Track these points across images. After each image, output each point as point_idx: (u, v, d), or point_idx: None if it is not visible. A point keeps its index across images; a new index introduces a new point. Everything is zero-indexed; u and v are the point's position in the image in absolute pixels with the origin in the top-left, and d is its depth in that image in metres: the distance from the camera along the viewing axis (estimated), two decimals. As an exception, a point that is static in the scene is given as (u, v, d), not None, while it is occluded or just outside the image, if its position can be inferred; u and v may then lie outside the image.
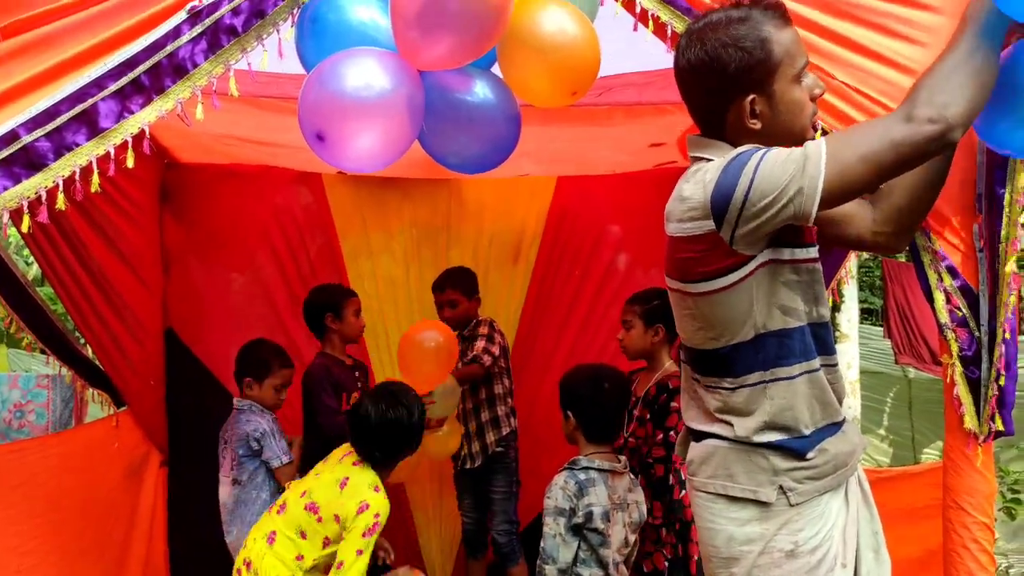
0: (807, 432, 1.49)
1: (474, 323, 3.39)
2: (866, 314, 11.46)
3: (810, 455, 1.48)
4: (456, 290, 3.35)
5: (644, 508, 2.42)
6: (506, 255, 3.77)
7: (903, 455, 7.51)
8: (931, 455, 7.29)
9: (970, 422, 1.76)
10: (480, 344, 3.30)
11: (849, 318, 6.75)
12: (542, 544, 2.25)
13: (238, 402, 3.01)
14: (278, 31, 1.78)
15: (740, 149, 1.47)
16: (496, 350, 3.31)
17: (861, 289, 10.34)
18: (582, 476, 2.28)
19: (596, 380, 2.37)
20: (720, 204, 1.43)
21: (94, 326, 3.00)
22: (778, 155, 1.42)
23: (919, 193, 1.59)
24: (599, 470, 2.31)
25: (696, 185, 1.49)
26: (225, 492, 2.94)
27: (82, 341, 3.28)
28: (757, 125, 1.49)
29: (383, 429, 2.40)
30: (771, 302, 1.48)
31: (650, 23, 1.82)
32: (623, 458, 2.41)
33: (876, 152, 1.38)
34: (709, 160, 1.50)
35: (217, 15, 1.70)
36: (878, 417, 7.83)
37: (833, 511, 1.50)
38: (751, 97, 1.47)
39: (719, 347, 1.52)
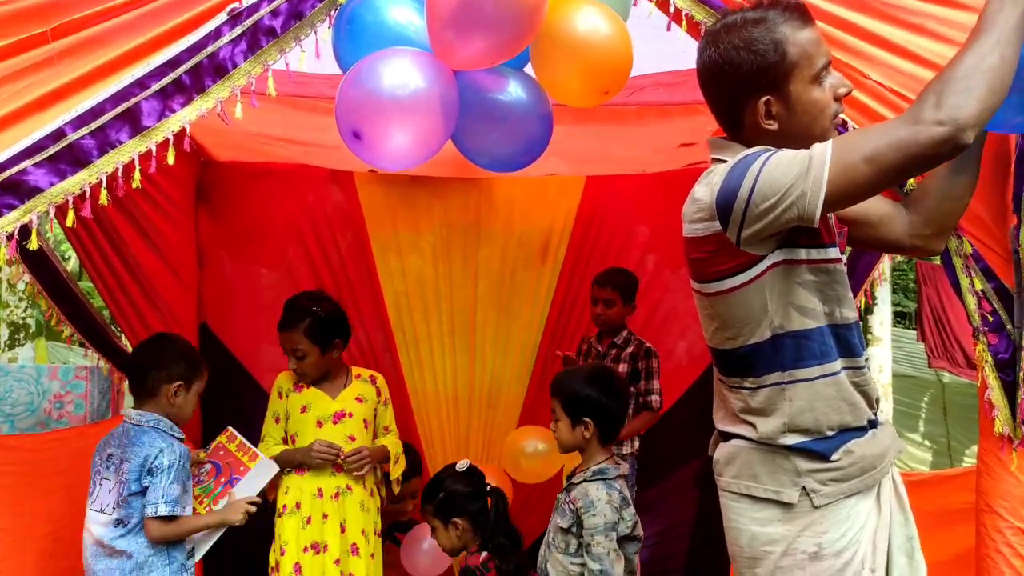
0: (830, 434, 1.48)
1: (628, 335, 3.36)
2: (899, 317, 11.29)
3: (834, 457, 1.47)
4: (616, 291, 3.33)
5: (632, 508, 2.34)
6: (534, 254, 3.78)
7: (942, 462, 7.37)
8: (971, 460, 7.14)
9: (1002, 426, 1.74)
10: (656, 383, 3.27)
11: (882, 321, 6.67)
12: (597, 567, 2.09)
13: (140, 415, 2.34)
14: (315, 32, 1.82)
15: (749, 151, 1.47)
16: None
17: (894, 292, 10.19)
18: (617, 486, 2.20)
19: (604, 382, 2.27)
20: (724, 206, 1.43)
21: (131, 319, 3.08)
22: (783, 157, 1.41)
23: (954, 193, 1.57)
24: (620, 477, 2.24)
25: (705, 187, 1.50)
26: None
27: (119, 333, 3.36)
28: (774, 126, 1.49)
29: None
30: (787, 302, 1.47)
31: (683, 22, 1.82)
32: (621, 461, 2.34)
33: (882, 154, 1.35)
34: (724, 162, 1.51)
35: (257, 16, 1.74)
36: (913, 422, 7.70)
37: (862, 514, 1.49)
38: (766, 98, 1.47)
39: (737, 347, 1.52)
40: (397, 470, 2.83)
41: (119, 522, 2.25)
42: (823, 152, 1.38)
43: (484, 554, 2.53)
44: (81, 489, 2.81)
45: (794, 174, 1.38)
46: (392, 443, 2.83)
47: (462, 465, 2.66)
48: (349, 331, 2.86)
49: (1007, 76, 1.36)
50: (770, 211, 1.39)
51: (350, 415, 2.74)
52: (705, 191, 1.49)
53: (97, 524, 2.29)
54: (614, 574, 2.10)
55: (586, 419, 2.25)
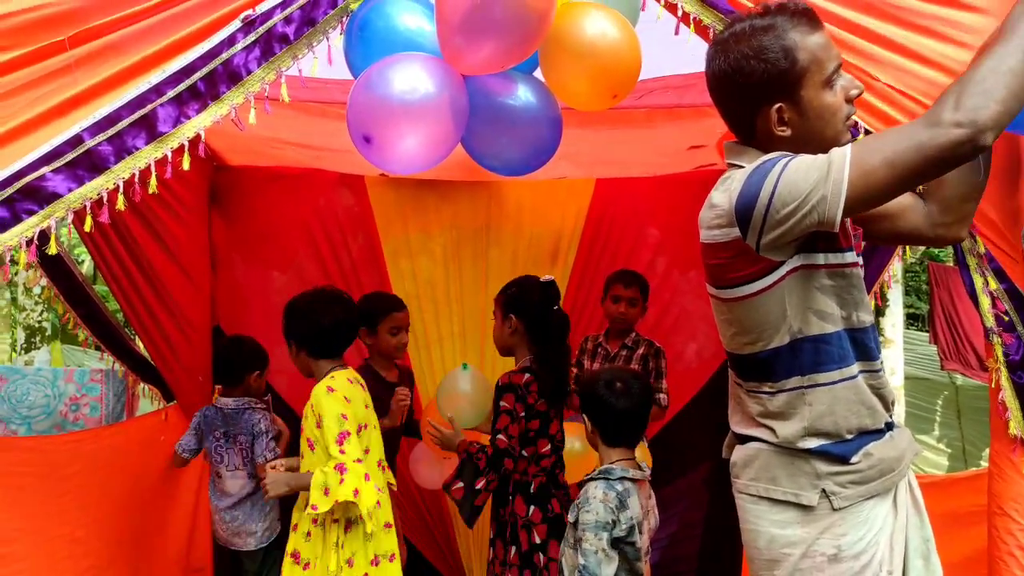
0: (849, 437, 1.49)
1: (637, 336, 3.37)
2: (912, 319, 11.23)
3: (854, 459, 1.47)
4: (640, 291, 3.34)
5: (657, 512, 2.35)
6: (544, 257, 3.79)
7: (958, 465, 7.30)
8: (987, 464, 7.04)
9: (1015, 428, 1.73)
10: (664, 383, 3.30)
11: (894, 323, 6.63)
12: (582, 562, 2.11)
13: (236, 400, 3.12)
14: (328, 38, 1.83)
15: (767, 156, 1.47)
16: None
17: (907, 294, 10.13)
18: (619, 487, 2.19)
19: (610, 382, 2.29)
20: (744, 212, 1.43)
21: (146, 322, 3.11)
22: (802, 162, 1.41)
23: (970, 179, 1.56)
24: (632, 480, 2.23)
25: (724, 193, 1.50)
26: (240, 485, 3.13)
27: (134, 336, 3.39)
28: (787, 132, 1.49)
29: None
30: (806, 307, 1.47)
31: (691, 26, 1.83)
32: (645, 464, 2.34)
33: (901, 157, 1.34)
34: (741, 167, 1.51)
35: (270, 23, 1.76)
36: (927, 425, 7.63)
37: (879, 517, 1.49)
38: (778, 105, 1.47)
39: (756, 352, 1.52)
40: (324, 503, 2.22)
41: (251, 475, 3.09)
42: (842, 157, 1.38)
43: (527, 376, 2.58)
44: (94, 492, 2.84)
45: (814, 179, 1.38)
46: (314, 470, 2.29)
47: (547, 277, 2.72)
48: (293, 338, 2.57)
49: None
50: (790, 217, 1.39)
51: (301, 432, 2.46)
52: (723, 197, 1.49)
53: (237, 479, 3.08)
54: (599, 574, 2.09)
55: (584, 415, 2.31)
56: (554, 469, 2.64)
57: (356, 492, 2.22)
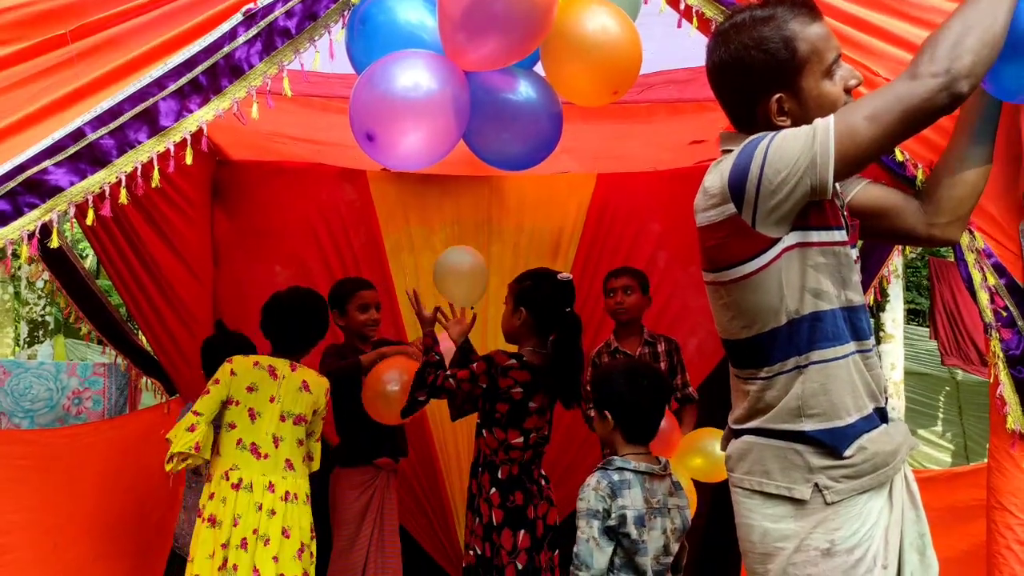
0: (846, 420, 1.48)
1: (652, 332, 3.35)
2: (912, 315, 11.22)
3: (847, 453, 1.47)
4: (634, 279, 3.33)
5: (688, 514, 2.31)
6: (545, 251, 3.79)
7: (960, 461, 7.30)
8: (989, 459, 7.05)
9: (1013, 423, 1.74)
10: (688, 376, 3.31)
11: (894, 318, 6.62)
12: (575, 549, 2.12)
13: None
14: (329, 33, 1.84)
15: (755, 135, 1.49)
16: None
17: (908, 289, 10.13)
18: (616, 477, 2.17)
19: (633, 377, 2.25)
20: (737, 185, 1.45)
21: (148, 316, 3.12)
22: (788, 133, 1.45)
23: (966, 179, 1.58)
24: (635, 471, 2.19)
25: (716, 174, 1.52)
26: None
27: (136, 330, 3.40)
28: (787, 122, 1.50)
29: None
30: (801, 285, 1.48)
31: (694, 19, 1.83)
32: (664, 459, 2.30)
33: (883, 112, 1.40)
34: (732, 152, 1.53)
35: (271, 17, 1.76)
36: (928, 421, 7.63)
37: (874, 511, 1.48)
38: (778, 96, 1.49)
39: (752, 335, 1.53)
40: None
41: None
42: (826, 122, 1.42)
43: (512, 361, 2.62)
44: (94, 483, 2.86)
45: (800, 145, 1.41)
46: None
47: (563, 276, 2.74)
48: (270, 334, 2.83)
49: (998, 31, 1.42)
50: (783, 185, 1.41)
51: None
52: (716, 177, 1.51)
53: None
54: (591, 563, 2.09)
55: (605, 411, 2.25)
56: (530, 464, 2.65)
57: (174, 435, 2.54)
